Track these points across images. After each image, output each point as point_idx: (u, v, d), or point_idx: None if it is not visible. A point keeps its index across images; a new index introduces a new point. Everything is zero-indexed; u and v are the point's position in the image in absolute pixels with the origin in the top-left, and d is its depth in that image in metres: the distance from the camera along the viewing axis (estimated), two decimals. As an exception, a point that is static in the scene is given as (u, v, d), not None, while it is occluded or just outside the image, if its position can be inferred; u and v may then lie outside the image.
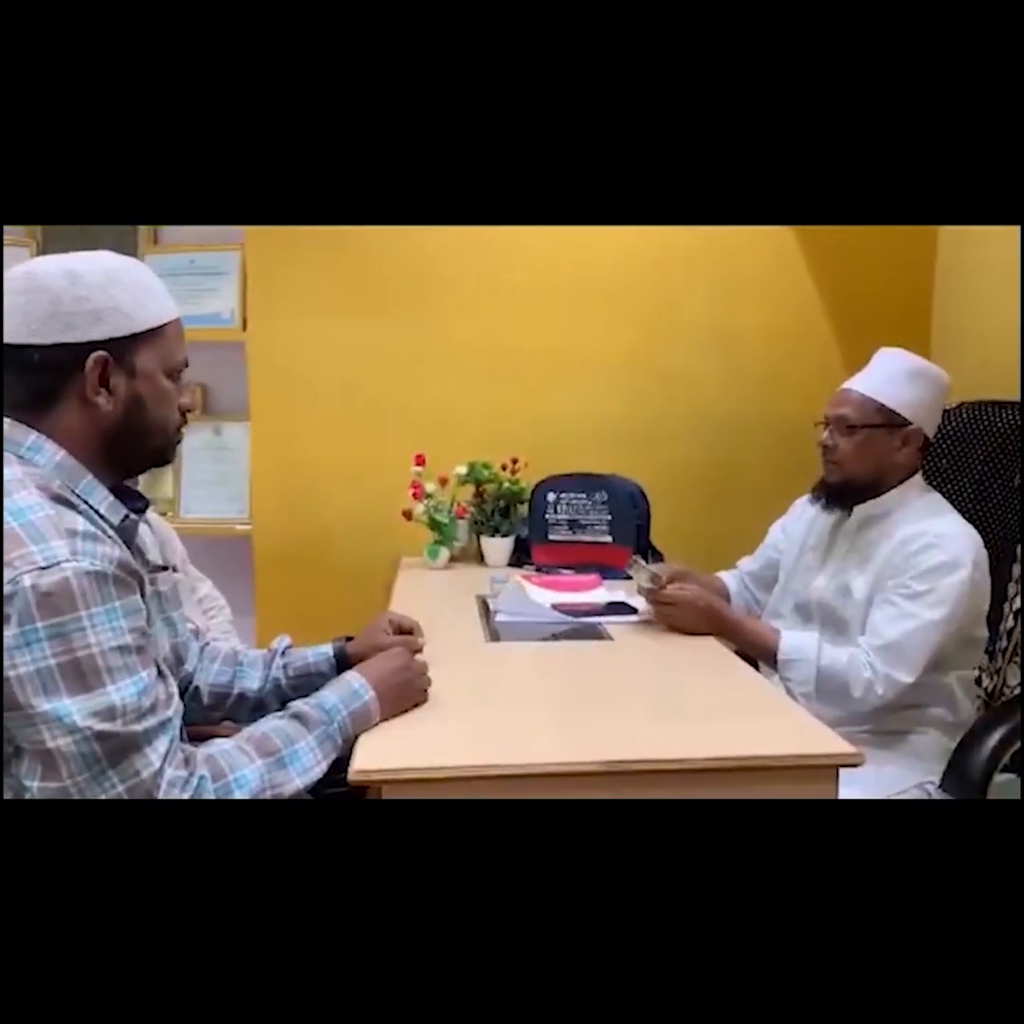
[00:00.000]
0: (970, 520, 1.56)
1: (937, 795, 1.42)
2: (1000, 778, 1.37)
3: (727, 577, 1.88)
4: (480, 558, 2.19)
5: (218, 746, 0.96)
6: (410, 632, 1.29)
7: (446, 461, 2.15)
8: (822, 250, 2.30)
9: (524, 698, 1.26)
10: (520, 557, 2.17)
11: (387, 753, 1.03)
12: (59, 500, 0.90)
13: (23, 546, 0.84)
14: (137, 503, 1.03)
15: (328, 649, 1.27)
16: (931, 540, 1.47)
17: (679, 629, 1.56)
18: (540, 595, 1.77)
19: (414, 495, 2.11)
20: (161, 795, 0.86)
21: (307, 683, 1.23)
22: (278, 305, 2.23)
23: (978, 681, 1.64)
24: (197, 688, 1.24)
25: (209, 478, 2.36)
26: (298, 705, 1.04)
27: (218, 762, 0.93)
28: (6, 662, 0.82)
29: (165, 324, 0.98)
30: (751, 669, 1.44)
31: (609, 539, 2.08)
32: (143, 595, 0.94)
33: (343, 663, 1.24)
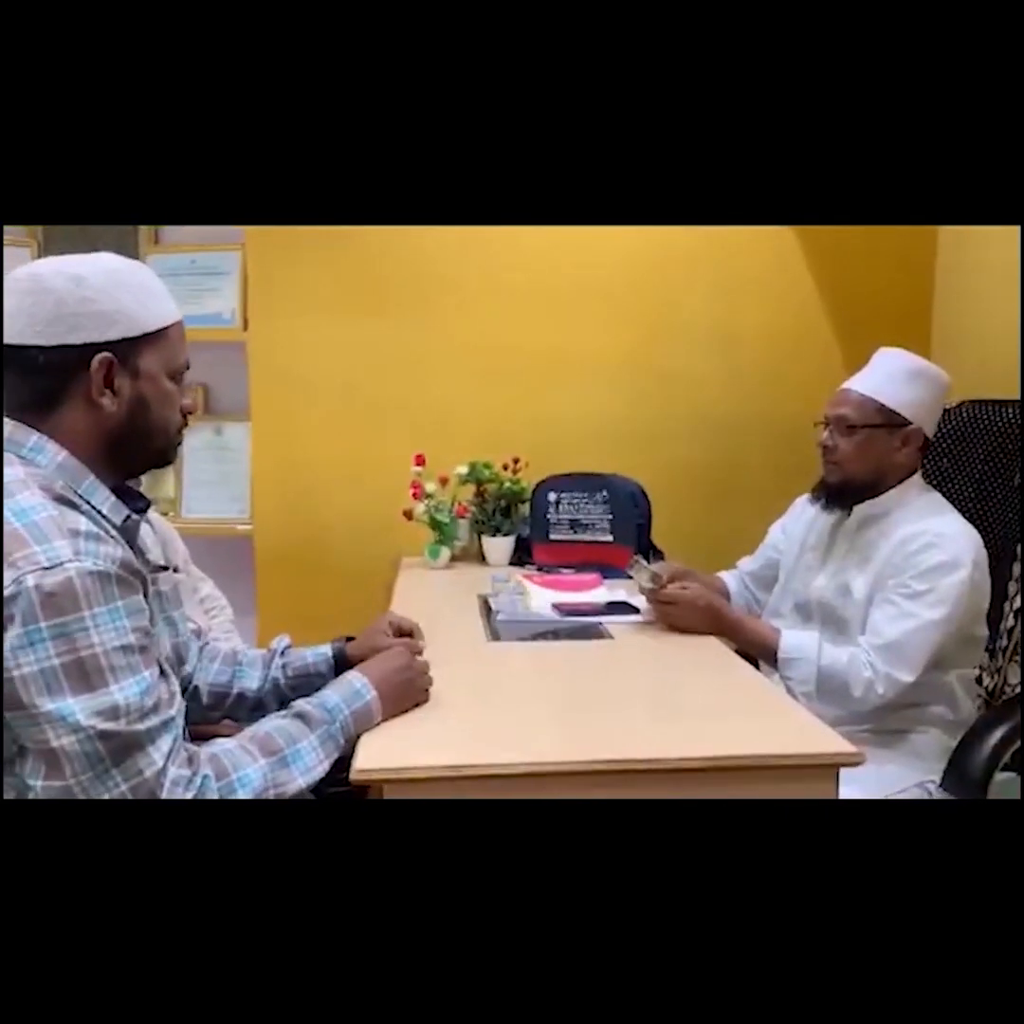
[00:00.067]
0: (970, 519, 1.56)
1: (938, 794, 1.42)
2: (1001, 777, 1.37)
3: (727, 577, 1.88)
4: (481, 558, 2.19)
5: (221, 745, 0.97)
6: (410, 634, 1.30)
7: (447, 461, 2.15)
8: (822, 250, 2.31)
9: (525, 697, 1.26)
10: (521, 557, 2.17)
11: (389, 752, 1.03)
12: (62, 500, 0.90)
13: (27, 546, 0.84)
14: (138, 503, 1.03)
15: (327, 650, 1.28)
16: (931, 540, 1.47)
17: (679, 628, 1.56)
18: (541, 594, 1.78)
19: (415, 495, 2.11)
20: (164, 794, 0.87)
21: (306, 683, 1.23)
22: (279, 305, 2.23)
23: (979, 680, 1.64)
24: (196, 688, 1.24)
25: (210, 478, 2.36)
26: (300, 704, 1.05)
27: (221, 761, 0.94)
28: (10, 662, 0.82)
29: (168, 326, 0.99)
30: (751, 668, 1.44)
31: (610, 539, 2.09)
32: (146, 595, 0.95)
33: (342, 664, 1.24)
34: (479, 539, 2.20)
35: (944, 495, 1.62)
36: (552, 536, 2.14)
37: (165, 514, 2.22)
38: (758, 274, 2.31)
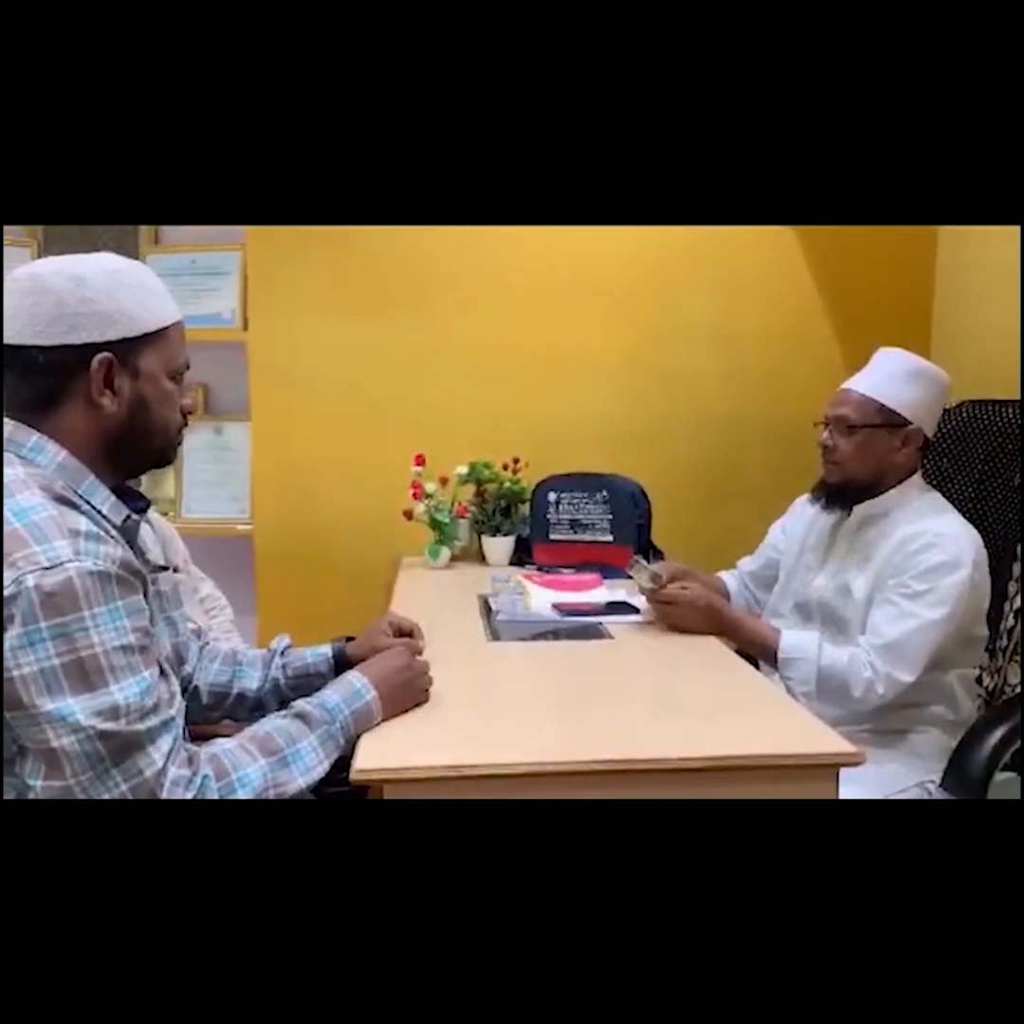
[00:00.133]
0: (970, 519, 1.56)
1: (938, 794, 1.42)
2: (1001, 777, 1.37)
3: (727, 577, 1.88)
4: (481, 558, 2.20)
5: (221, 745, 0.97)
6: (410, 634, 1.30)
7: (447, 461, 2.16)
8: (822, 250, 2.31)
9: (525, 697, 1.27)
10: (521, 557, 2.17)
11: (389, 752, 1.03)
12: (62, 501, 0.90)
13: (27, 546, 0.84)
14: (138, 503, 1.03)
15: (327, 650, 1.28)
16: (931, 540, 1.47)
17: (679, 628, 1.56)
18: (541, 594, 1.78)
19: (415, 495, 2.11)
20: (164, 794, 0.87)
21: (306, 683, 1.24)
22: (279, 305, 2.23)
23: (979, 680, 1.64)
24: (196, 688, 1.24)
25: (210, 478, 2.36)
26: (300, 704, 1.05)
27: (221, 761, 0.94)
28: (10, 662, 0.82)
29: (168, 326, 0.99)
30: (751, 668, 1.44)
31: (610, 539, 2.09)
32: (146, 595, 0.95)
33: (342, 664, 1.24)
34: (479, 539, 2.20)
35: (944, 495, 1.62)
36: (552, 536, 2.14)
37: (165, 514, 2.22)
38: (758, 274, 2.31)
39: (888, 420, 1.55)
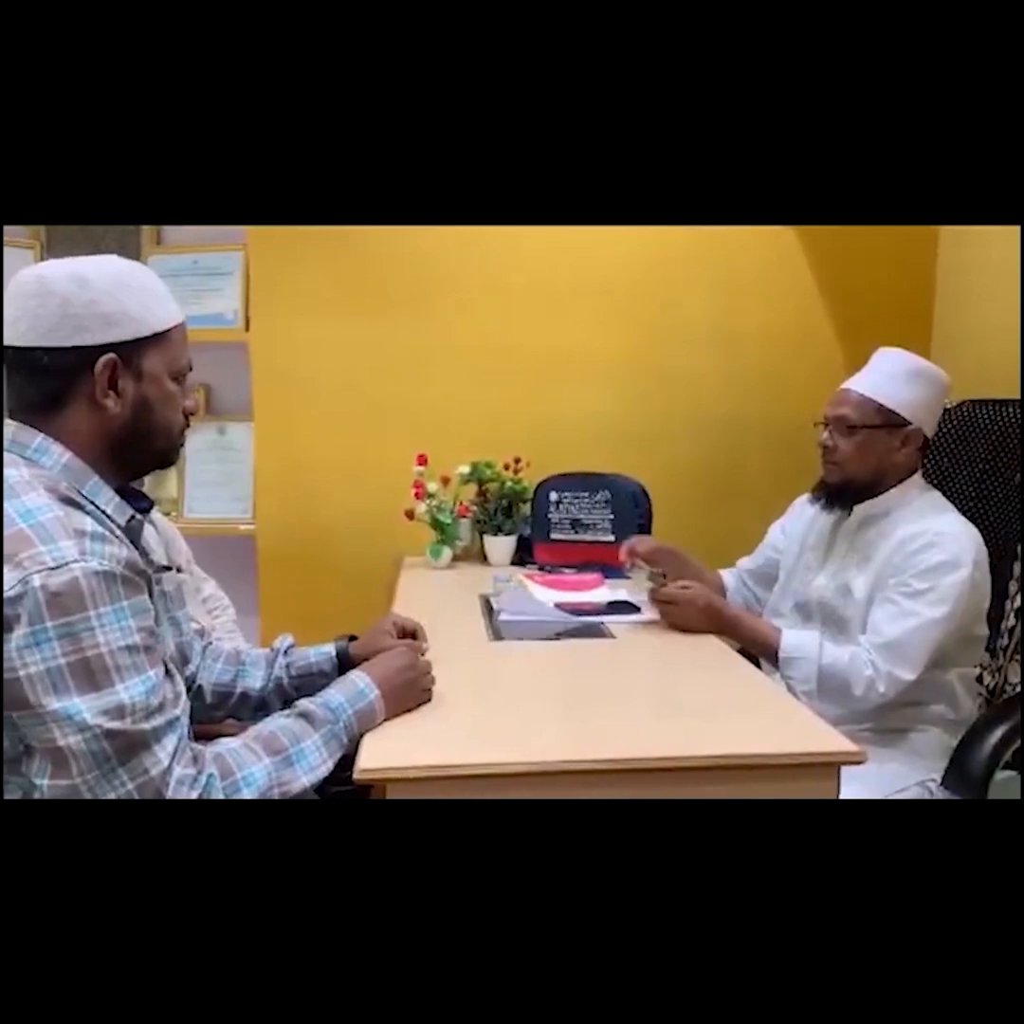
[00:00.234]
0: (971, 518, 1.56)
1: (939, 793, 1.42)
2: (1001, 776, 1.38)
3: (726, 574, 1.88)
4: (483, 557, 2.20)
5: (225, 745, 0.97)
6: (414, 635, 1.30)
7: (448, 461, 2.16)
8: (823, 249, 2.31)
9: (527, 697, 1.27)
10: (523, 556, 2.17)
11: (392, 752, 1.04)
12: (67, 501, 0.91)
13: (32, 546, 0.84)
14: (142, 503, 1.04)
15: (330, 649, 1.28)
16: (931, 539, 1.47)
17: (680, 627, 1.56)
18: (543, 594, 1.78)
19: (416, 495, 2.11)
20: (170, 793, 0.87)
21: (309, 682, 1.24)
22: (281, 305, 2.23)
23: (979, 679, 1.65)
24: (200, 687, 1.25)
25: (213, 478, 2.37)
26: (304, 704, 1.05)
27: (226, 760, 0.94)
28: (17, 661, 0.82)
29: (171, 328, 0.99)
30: (753, 667, 1.44)
31: (611, 538, 2.09)
32: (150, 595, 0.95)
33: (345, 664, 1.24)
34: (481, 539, 2.21)
35: (945, 494, 1.62)
36: (553, 536, 2.14)
37: (168, 514, 2.23)
38: (758, 274, 2.31)
39: (888, 420, 1.55)
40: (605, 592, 1.83)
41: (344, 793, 1.13)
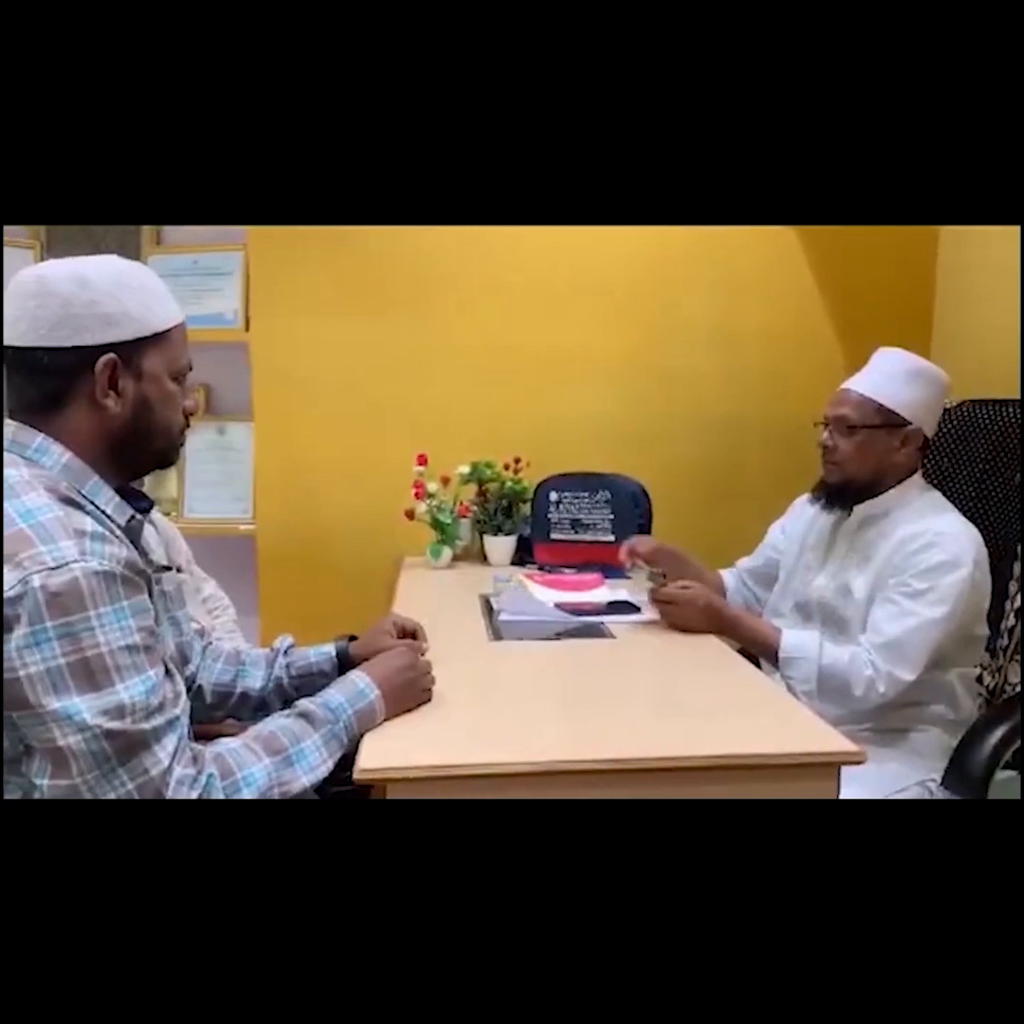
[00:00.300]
0: (971, 518, 1.56)
1: (939, 793, 1.42)
2: (1002, 775, 1.38)
3: (725, 574, 1.88)
4: (483, 557, 2.20)
5: (225, 744, 0.97)
6: (414, 635, 1.30)
7: (448, 461, 2.16)
8: (823, 249, 2.31)
9: (527, 697, 1.27)
10: (523, 556, 2.18)
11: (392, 752, 1.04)
12: (67, 501, 0.91)
13: (32, 546, 0.84)
14: (142, 503, 1.04)
15: (330, 649, 1.28)
16: (931, 539, 1.47)
17: (680, 627, 1.57)
18: (543, 594, 1.78)
19: (416, 495, 2.11)
20: (170, 793, 0.87)
21: (309, 683, 1.24)
22: (281, 305, 2.23)
23: (979, 679, 1.65)
24: (200, 687, 1.25)
25: (213, 478, 2.37)
26: (304, 704, 1.05)
27: (226, 760, 0.94)
28: (17, 661, 0.82)
29: (171, 328, 1.00)
30: (753, 667, 1.44)
31: (611, 538, 2.09)
32: (150, 595, 0.95)
33: (345, 664, 1.24)
34: (481, 539, 2.21)
35: (945, 494, 1.62)
36: (553, 536, 2.14)
37: (168, 514, 2.23)
38: (758, 274, 2.31)
39: (887, 420, 1.55)
40: (605, 592, 1.83)
41: (344, 793, 1.13)
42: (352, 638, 1.31)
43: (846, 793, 1.07)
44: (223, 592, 1.81)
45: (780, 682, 1.51)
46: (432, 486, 2.12)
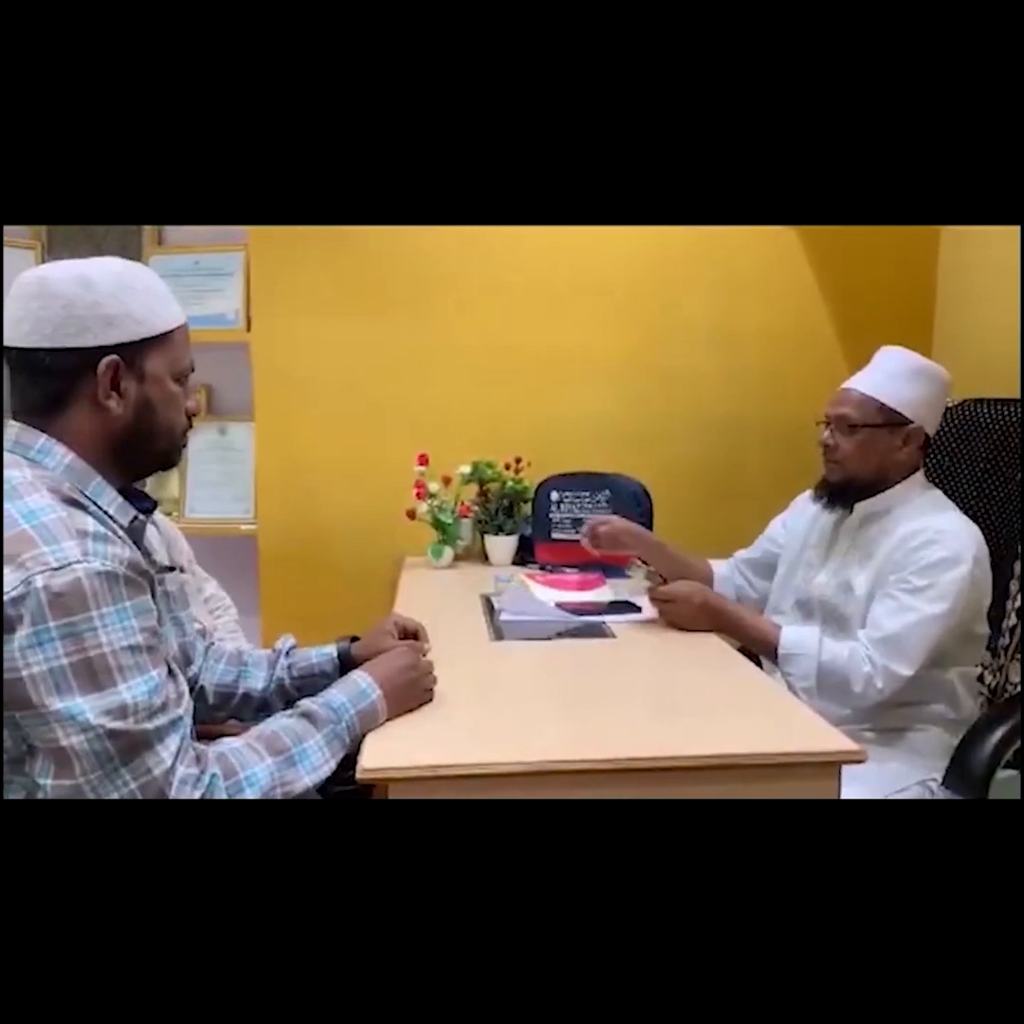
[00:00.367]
0: (972, 517, 1.56)
1: (940, 792, 1.42)
2: (1003, 775, 1.38)
3: (718, 564, 1.87)
4: (484, 557, 2.20)
5: (228, 744, 0.97)
6: (415, 635, 1.31)
7: (449, 460, 2.16)
8: (824, 249, 2.31)
9: (529, 696, 1.27)
10: (524, 556, 2.18)
11: (394, 751, 1.04)
12: (70, 502, 0.91)
13: (35, 547, 0.85)
14: (144, 504, 1.04)
15: (332, 650, 1.28)
16: (932, 536, 1.47)
17: (679, 625, 1.57)
18: (544, 594, 1.78)
19: (418, 495, 2.12)
20: (173, 793, 0.87)
21: (311, 683, 1.24)
22: (281, 306, 2.24)
23: (980, 678, 1.65)
24: (202, 688, 1.25)
25: (214, 478, 2.37)
26: (306, 704, 1.06)
27: (229, 760, 0.95)
28: (20, 662, 0.83)
29: (173, 329, 1.00)
30: (754, 666, 1.45)
31: (612, 538, 2.09)
32: (153, 595, 0.96)
33: (347, 664, 1.25)
34: (482, 538, 2.21)
35: (946, 493, 1.62)
36: (555, 535, 2.14)
37: (169, 514, 2.23)
38: (759, 274, 2.31)
39: (889, 419, 1.55)
40: (606, 592, 1.84)
41: (346, 793, 1.13)
42: (354, 639, 1.31)
43: (847, 792, 1.07)
44: (224, 592, 1.81)
45: (781, 681, 1.51)
46: (433, 486, 2.12)
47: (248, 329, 2.28)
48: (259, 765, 0.96)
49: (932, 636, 1.44)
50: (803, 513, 1.75)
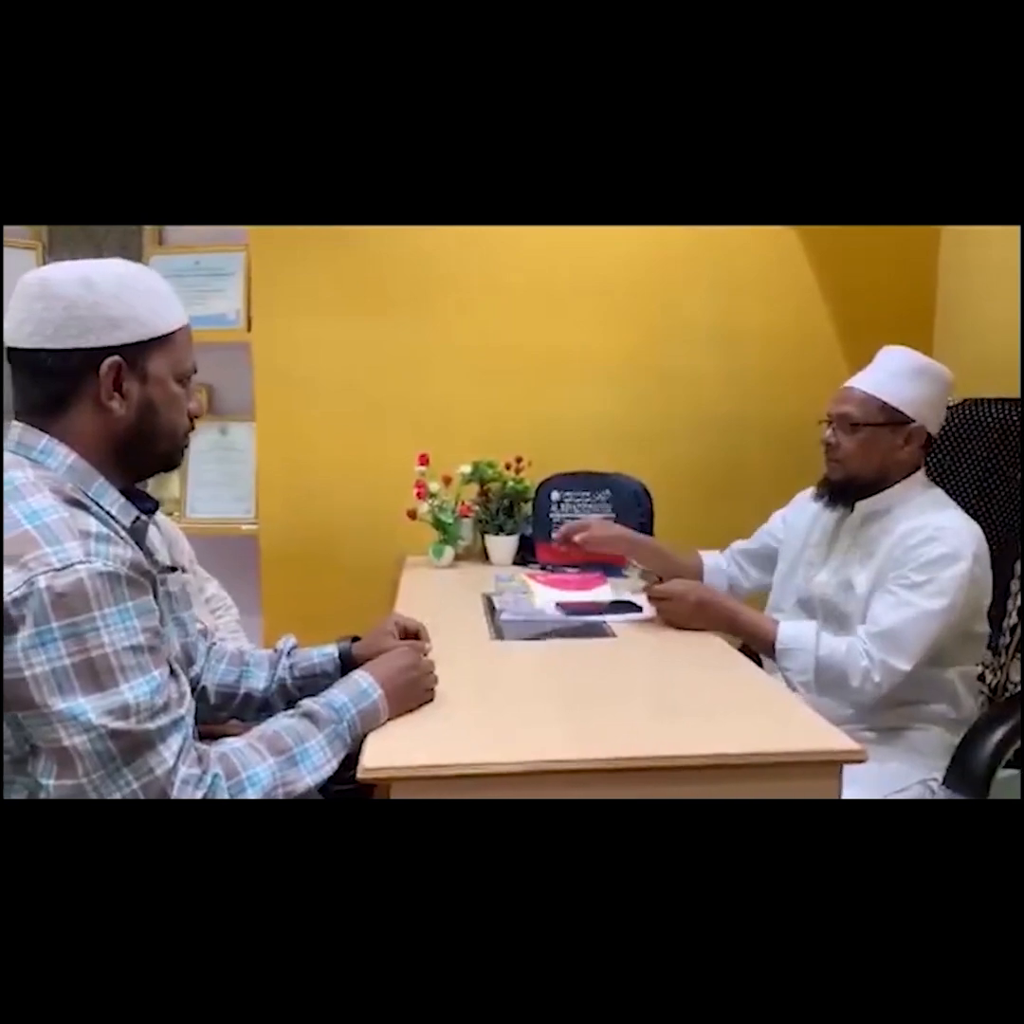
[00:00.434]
0: (972, 516, 1.56)
1: (940, 792, 1.43)
2: (1003, 774, 1.38)
3: (708, 555, 1.87)
4: (485, 557, 2.20)
5: (230, 744, 0.98)
6: (416, 635, 1.31)
7: (449, 460, 2.16)
8: (824, 248, 2.31)
9: (530, 696, 1.27)
10: (525, 555, 2.18)
11: (395, 751, 1.04)
12: (72, 502, 0.91)
13: (38, 548, 0.85)
14: (146, 504, 1.04)
15: (333, 650, 1.29)
16: (932, 533, 1.47)
17: (676, 623, 1.57)
18: (545, 593, 1.79)
19: (418, 494, 2.12)
20: (175, 793, 0.87)
21: (312, 683, 1.25)
22: (282, 306, 2.24)
23: (981, 677, 1.65)
24: (204, 688, 1.25)
25: (215, 478, 2.37)
26: (308, 704, 1.06)
27: (231, 760, 0.95)
28: (22, 662, 0.83)
29: (176, 330, 1.00)
30: (755, 666, 1.45)
31: (613, 538, 2.09)
32: (156, 595, 0.96)
33: (348, 664, 1.25)
34: (483, 538, 2.21)
35: (947, 492, 1.62)
36: (555, 535, 2.14)
37: (170, 514, 2.23)
38: (759, 274, 2.32)
39: (891, 418, 1.55)
40: (607, 591, 1.84)
41: (347, 792, 1.13)
42: (355, 639, 1.31)
43: (847, 792, 1.07)
44: (225, 592, 1.81)
45: (781, 681, 1.51)
46: (434, 486, 2.12)
47: (249, 329, 2.28)
48: (261, 765, 0.96)
49: (931, 631, 1.44)
50: (804, 511, 1.75)
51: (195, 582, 1.66)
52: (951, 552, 1.45)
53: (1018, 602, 1.67)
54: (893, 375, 1.57)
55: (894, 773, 1.47)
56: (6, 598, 0.83)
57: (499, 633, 1.56)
